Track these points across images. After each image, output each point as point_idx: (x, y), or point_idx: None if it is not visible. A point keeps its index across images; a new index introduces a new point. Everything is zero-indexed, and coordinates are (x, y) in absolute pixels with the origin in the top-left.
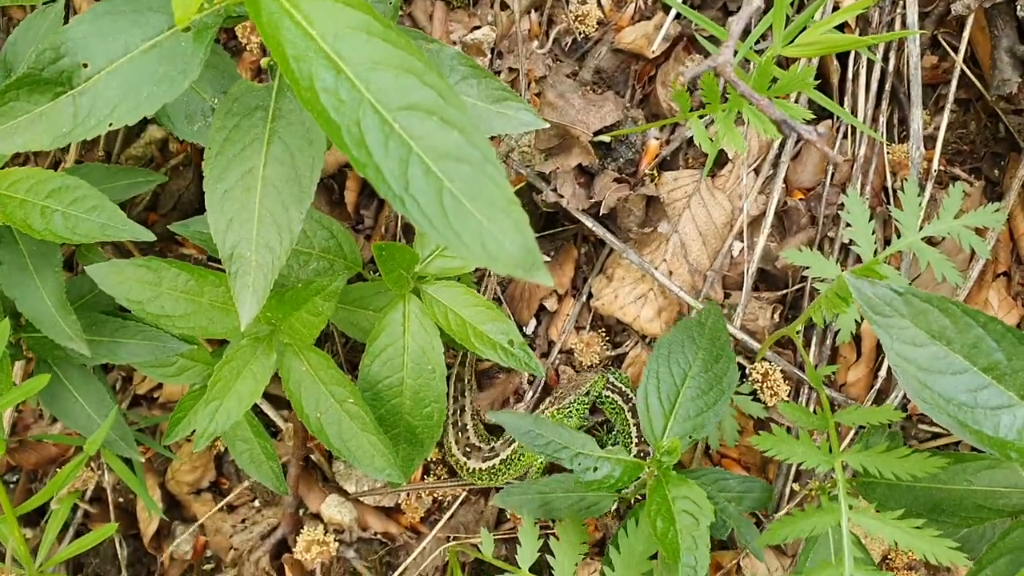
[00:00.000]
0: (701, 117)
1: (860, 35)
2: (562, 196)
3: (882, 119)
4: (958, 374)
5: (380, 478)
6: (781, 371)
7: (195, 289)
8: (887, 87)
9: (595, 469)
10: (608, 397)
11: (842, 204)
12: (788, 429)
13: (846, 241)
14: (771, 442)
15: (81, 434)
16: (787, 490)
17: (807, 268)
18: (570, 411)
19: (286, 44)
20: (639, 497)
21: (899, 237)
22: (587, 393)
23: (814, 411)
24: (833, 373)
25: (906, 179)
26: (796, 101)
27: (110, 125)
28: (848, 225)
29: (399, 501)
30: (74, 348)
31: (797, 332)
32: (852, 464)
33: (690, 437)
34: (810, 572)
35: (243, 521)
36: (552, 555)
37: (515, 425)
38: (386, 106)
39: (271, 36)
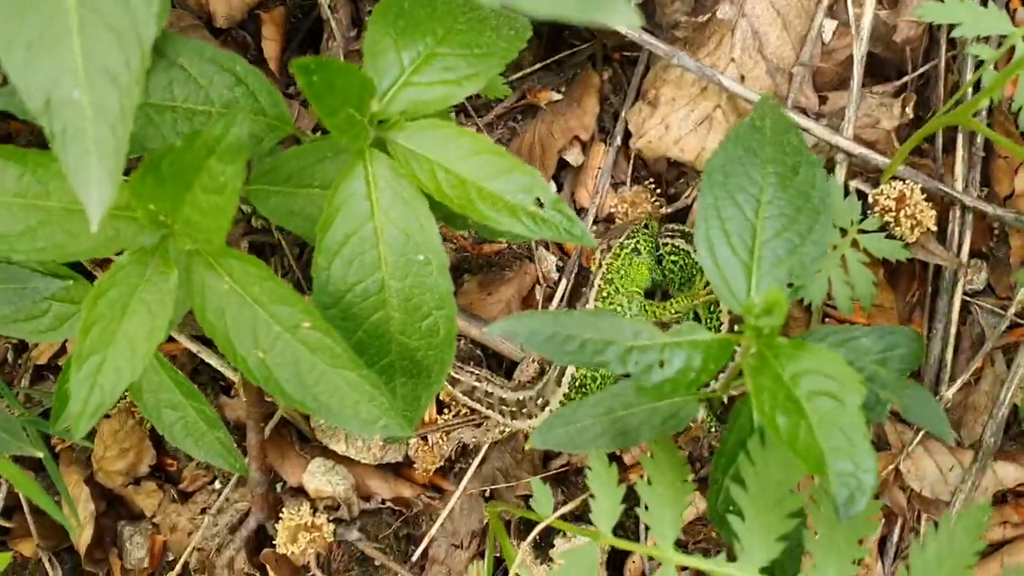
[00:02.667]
0: None
1: None
2: None
3: None
4: None
5: (374, 433)
6: (921, 189)
7: (36, 189)
8: None
9: (661, 364)
10: (668, 245)
11: None
12: (935, 271)
13: None
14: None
15: None
16: (949, 347)
17: (955, 27)
18: (632, 250)
19: None
20: (731, 399)
21: None
22: (645, 226)
23: (966, 247)
24: (985, 180)
25: None
26: None
27: None
28: None
29: (408, 452)
30: None
31: (974, 116)
32: None
33: (790, 286)
34: None
35: (203, 511)
36: (638, 503)
37: (528, 331)
38: None
39: None
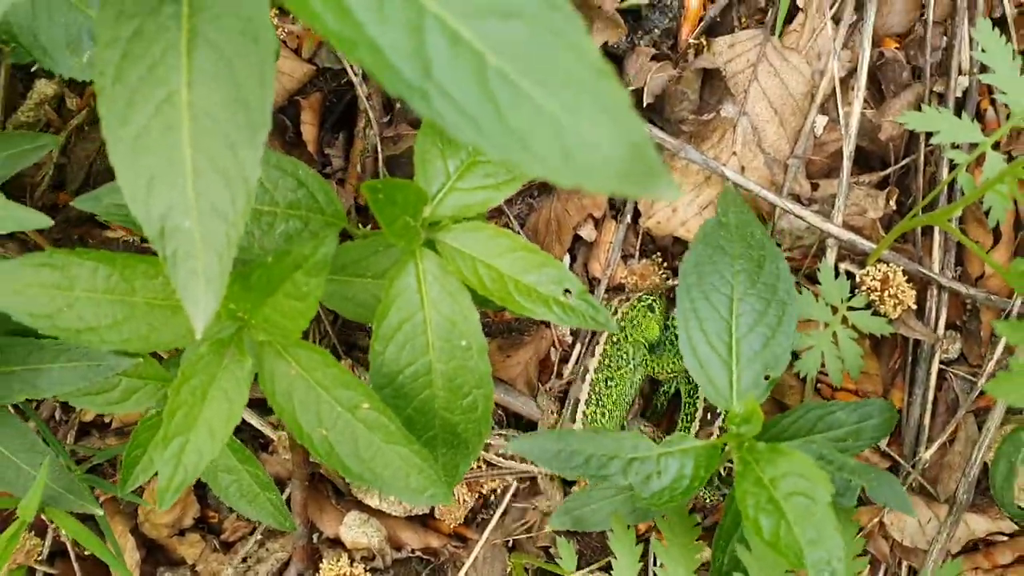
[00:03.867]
0: None
1: None
2: None
3: None
4: None
5: (422, 502)
6: (904, 272)
7: (123, 286)
8: None
9: (659, 474)
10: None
11: (947, 48)
12: (914, 343)
13: (959, 95)
14: (1013, 385)
15: (15, 494)
16: (926, 418)
17: (931, 136)
18: (647, 306)
19: None
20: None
21: None
22: (661, 295)
23: (943, 322)
24: (959, 261)
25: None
26: None
27: None
28: (981, 69)
29: (434, 509)
30: None
31: (949, 220)
32: None
33: (766, 379)
34: None
35: (244, 560)
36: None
37: (538, 450)
38: None
39: None
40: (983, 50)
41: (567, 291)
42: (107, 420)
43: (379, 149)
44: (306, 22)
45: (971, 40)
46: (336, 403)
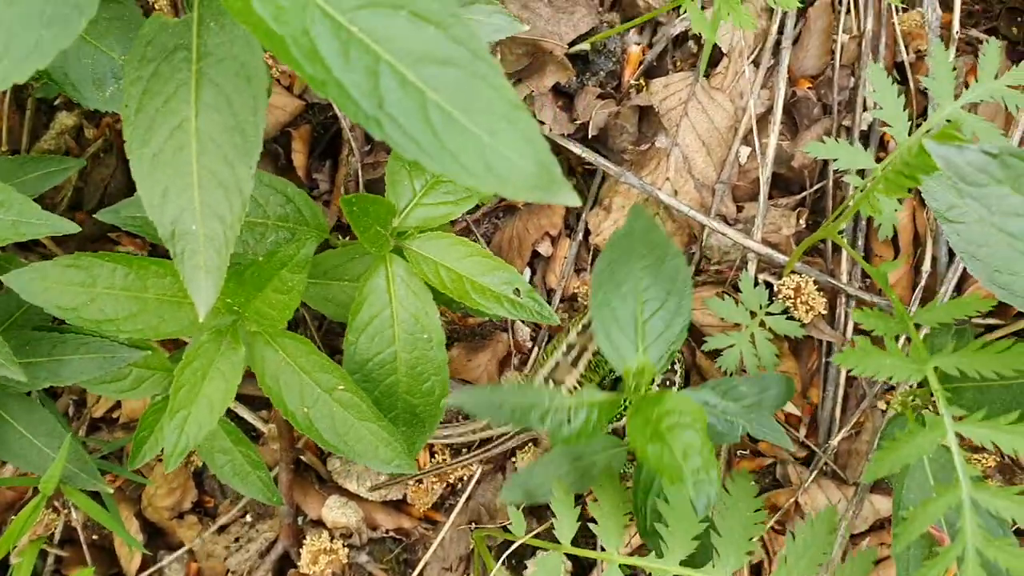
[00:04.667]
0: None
1: None
2: (542, 123)
3: None
4: None
5: (389, 471)
6: (814, 281)
7: (137, 284)
8: None
9: (569, 421)
10: None
11: (854, 87)
12: (827, 346)
13: (865, 128)
14: (855, 357)
15: (35, 473)
16: (837, 410)
17: (833, 162)
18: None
19: None
20: None
21: (928, 112)
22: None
23: (851, 326)
24: (866, 274)
25: (920, 49)
26: None
27: None
28: (875, 106)
29: (406, 495)
30: (7, 375)
31: (840, 233)
32: (946, 368)
33: (669, 353)
34: (926, 505)
35: (236, 540)
36: (594, 521)
37: (474, 402)
38: (338, 5)
39: None
40: (874, 90)
41: (516, 290)
42: (115, 416)
43: (360, 174)
44: (288, 66)
45: None
46: (316, 385)
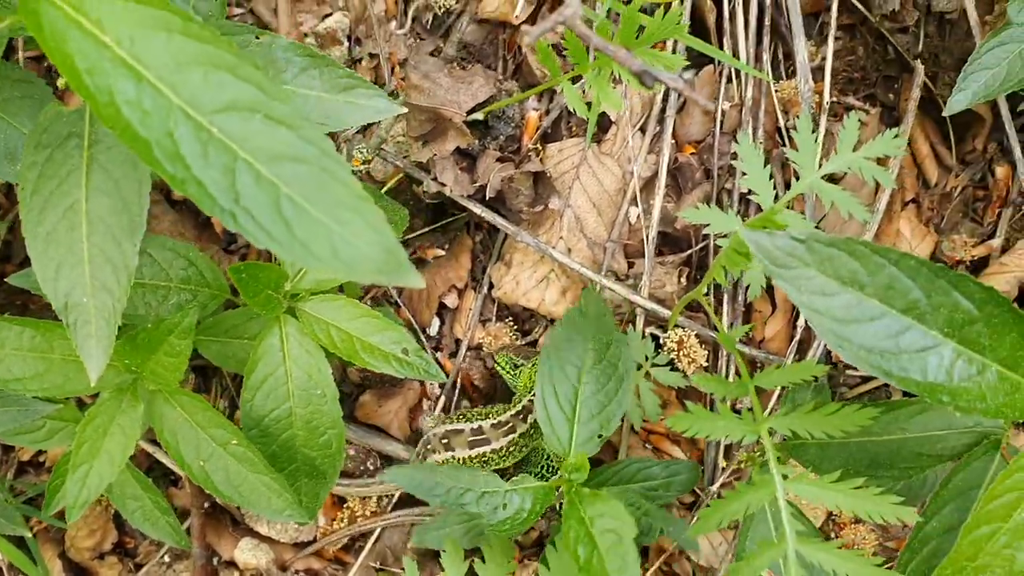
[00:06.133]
0: (573, 81)
1: None
2: (444, 184)
3: (766, 57)
4: (876, 320)
5: (282, 519)
6: (696, 336)
7: (43, 346)
8: (767, 22)
9: (504, 506)
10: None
11: (735, 154)
12: (710, 397)
13: (744, 191)
14: (688, 421)
15: None
16: (719, 457)
17: (707, 225)
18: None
19: (76, 56)
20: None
21: (798, 179)
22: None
23: (736, 374)
24: (750, 330)
25: (798, 116)
26: (674, 50)
27: None
28: (744, 174)
29: (316, 536)
30: None
31: (705, 295)
32: (779, 429)
33: (599, 436)
34: (752, 557)
35: None
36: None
37: (408, 480)
38: (200, 109)
39: (57, 51)
40: (741, 159)
41: (405, 349)
42: (42, 460)
43: None
44: (150, 167)
45: None
46: (211, 440)
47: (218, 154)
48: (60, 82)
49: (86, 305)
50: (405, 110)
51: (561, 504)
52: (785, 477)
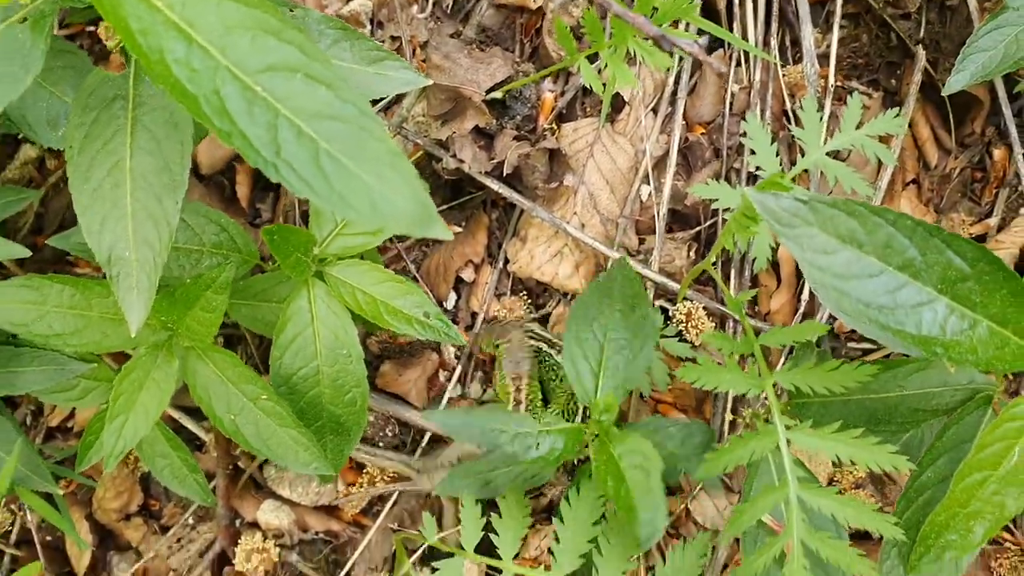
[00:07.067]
0: (589, 59)
1: None
2: (463, 161)
3: (774, 42)
4: (874, 276)
5: (308, 473)
6: (704, 308)
7: (82, 303)
8: (775, 9)
9: (537, 446)
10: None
11: (744, 133)
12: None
13: (752, 170)
14: (697, 372)
15: None
16: (725, 426)
17: (716, 201)
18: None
19: (130, 18)
20: (579, 460)
21: (804, 156)
22: (521, 326)
23: None
24: (755, 302)
25: (804, 99)
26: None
27: None
28: (752, 152)
29: (337, 498)
30: None
31: (713, 265)
32: (784, 384)
33: (624, 389)
34: (756, 499)
35: (179, 541)
36: (496, 533)
37: (447, 423)
38: (245, 69)
39: (113, 13)
40: (750, 137)
41: (426, 313)
42: (70, 425)
43: (297, 204)
44: (199, 121)
45: None
46: (242, 395)
47: (262, 111)
48: (111, 43)
49: (128, 259)
50: (431, 82)
51: (578, 461)
52: (787, 428)
